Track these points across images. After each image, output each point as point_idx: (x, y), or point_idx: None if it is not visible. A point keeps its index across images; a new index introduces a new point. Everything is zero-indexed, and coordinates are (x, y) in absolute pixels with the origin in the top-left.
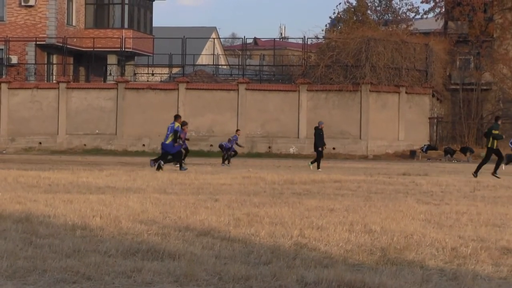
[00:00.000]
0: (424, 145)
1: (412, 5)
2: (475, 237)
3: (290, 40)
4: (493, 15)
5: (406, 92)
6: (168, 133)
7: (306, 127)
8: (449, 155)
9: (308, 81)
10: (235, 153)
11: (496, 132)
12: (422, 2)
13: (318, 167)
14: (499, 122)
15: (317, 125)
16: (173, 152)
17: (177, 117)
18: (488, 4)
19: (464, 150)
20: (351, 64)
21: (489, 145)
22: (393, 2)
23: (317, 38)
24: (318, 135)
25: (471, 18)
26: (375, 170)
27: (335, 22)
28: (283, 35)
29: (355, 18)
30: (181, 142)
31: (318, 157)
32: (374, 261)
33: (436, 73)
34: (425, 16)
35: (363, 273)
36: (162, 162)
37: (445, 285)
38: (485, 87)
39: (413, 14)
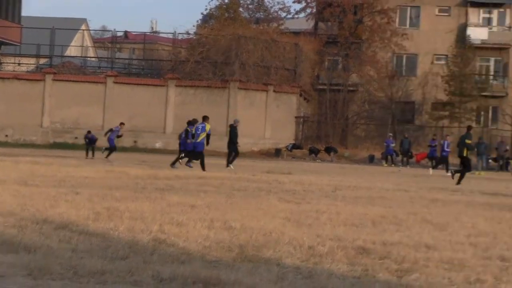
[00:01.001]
0: (290, 143)
1: (284, 4)
2: (333, 236)
3: (161, 35)
4: (362, 18)
5: (274, 91)
6: (199, 132)
7: (173, 122)
8: (313, 155)
9: (177, 76)
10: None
11: (469, 142)
12: (293, 2)
13: (229, 164)
14: (471, 132)
15: (233, 122)
16: (199, 151)
17: (205, 118)
18: (358, 7)
19: (328, 150)
20: (220, 61)
21: (464, 154)
22: (265, 0)
23: (188, 33)
24: (233, 133)
25: (341, 19)
26: (239, 167)
27: (206, 19)
28: (154, 30)
29: (226, 15)
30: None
31: (231, 154)
32: (231, 258)
33: (305, 72)
34: (296, 16)
35: (220, 269)
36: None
37: (300, 283)
38: (352, 88)
39: (284, 14)
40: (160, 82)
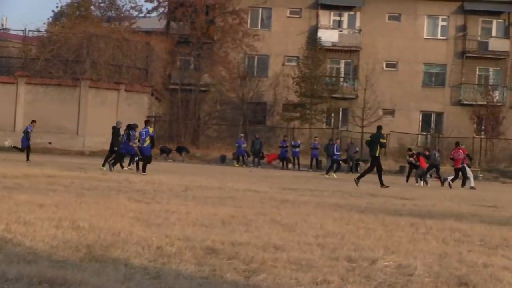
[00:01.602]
0: None
1: (136, 3)
2: (182, 236)
3: (11, 32)
4: (214, 18)
5: (125, 90)
6: (144, 137)
7: (23, 120)
8: (165, 154)
9: (27, 74)
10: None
11: (384, 141)
12: (146, 1)
13: (109, 164)
14: (382, 131)
15: (115, 124)
16: (148, 155)
17: (147, 122)
18: (210, 7)
19: (180, 150)
20: (71, 59)
21: (377, 154)
22: None
23: (39, 31)
24: (116, 134)
25: (193, 19)
26: (90, 166)
27: (58, 16)
28: (4, 27)
29: (78, 13)
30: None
31: (110, 155)
32: (79, 258)
33: (156, 72)
34: (148, 15)
35: (67, 269)
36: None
37: (147, 284)
38: (203, 89)
39: (136, 13)
40: (10, 80)
